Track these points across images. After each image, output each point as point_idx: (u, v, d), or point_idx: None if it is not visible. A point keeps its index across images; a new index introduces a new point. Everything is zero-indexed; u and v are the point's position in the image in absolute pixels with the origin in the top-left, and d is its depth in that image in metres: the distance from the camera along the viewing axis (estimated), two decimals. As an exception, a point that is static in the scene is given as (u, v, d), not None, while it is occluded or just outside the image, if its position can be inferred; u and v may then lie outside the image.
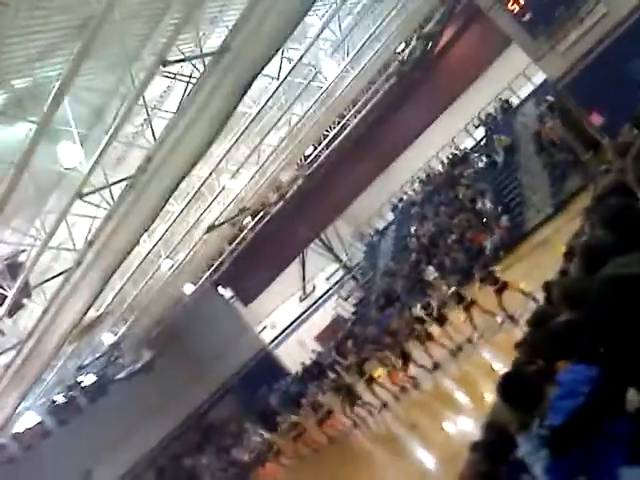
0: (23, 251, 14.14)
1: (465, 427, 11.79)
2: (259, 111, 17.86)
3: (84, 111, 13.05)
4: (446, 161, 29.67)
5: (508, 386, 3.67)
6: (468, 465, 4.50)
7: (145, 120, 14.73)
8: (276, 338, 34.43)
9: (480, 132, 29.08)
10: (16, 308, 13.80)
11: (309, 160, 29.26)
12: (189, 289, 28.31)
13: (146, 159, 13.04)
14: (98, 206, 13.63)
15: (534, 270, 15.84)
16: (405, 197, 31.90)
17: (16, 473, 25.17)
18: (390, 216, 32.74)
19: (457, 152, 29.46)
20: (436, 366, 16.83)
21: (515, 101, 28.08)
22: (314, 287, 35.20)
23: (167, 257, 21.88)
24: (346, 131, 28.82)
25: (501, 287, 15.26)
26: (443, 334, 17.20)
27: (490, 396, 10.50)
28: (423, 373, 17.08)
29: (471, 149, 29.08)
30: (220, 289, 33.65)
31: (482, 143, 28.53)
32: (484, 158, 27.09)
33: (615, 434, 2.47)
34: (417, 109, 30.71)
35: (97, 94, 13.31)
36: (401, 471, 13.19)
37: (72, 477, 26.74)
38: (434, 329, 17.55)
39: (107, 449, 26.89)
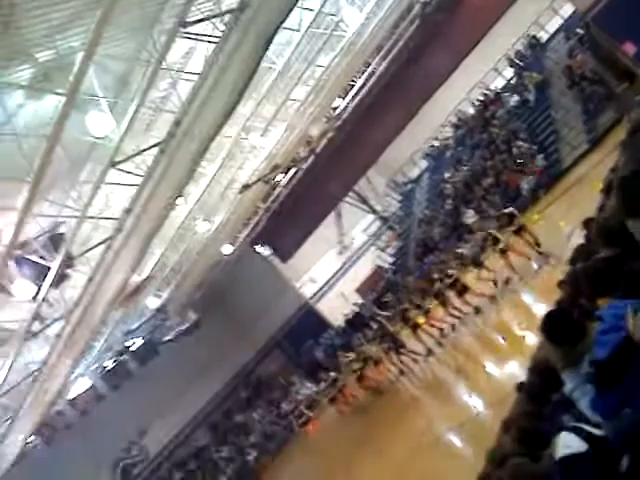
0: (63, 223, 14.38)
1: (511, 370, 11.83)
2: (283, 65, 17.67)
3: (109, 80, 13.06)
4: (477, 103, 29.13)
5: (552, 323, 3.65)
6: (514, 406, 4.53)
7: (170, 84, 14.74)
8: (317, 292, 34.65)
9: (510, 71, 28.39)
10: (60, 279, 14.08)
11: (338, 112, 29.00)
12: (228, 250, 28.56)
13: (175, 123, 13.09)
14: (132, 173, 13.75)
15: (572, 208, 15.64)
16: (437, 143, 31.47)
17: (73, 438, 26.03)
18: (423, 163, 32.41)
19: (488, 93, 28.85)
20: (477, 311, 16.89)
21: (544, 36, 27.30)
22: (352, 239, 35.23)
23: (204, 220, 22.09)
24: (373, 79, 28.40)
25: (519, 229, 15.30)
26: (481, 279, 17.21)
27: (532, 338, 10.51)
28: (466, 318, 17.14)
29: (502, 89, 28.41)
30: (258, 248, 33.86)
31: (513, 82, 27.88)
32: (516, 97, 26.53)
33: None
34: (443, 51, 29.98)
35: (121, 62, 13.29)
36: (449, 416, 13.33)
37: (127, 438, 27.66)
38: (472, 275, 17.58)
39: (159, 410, 27.65)
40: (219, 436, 29.41)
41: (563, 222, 15.45)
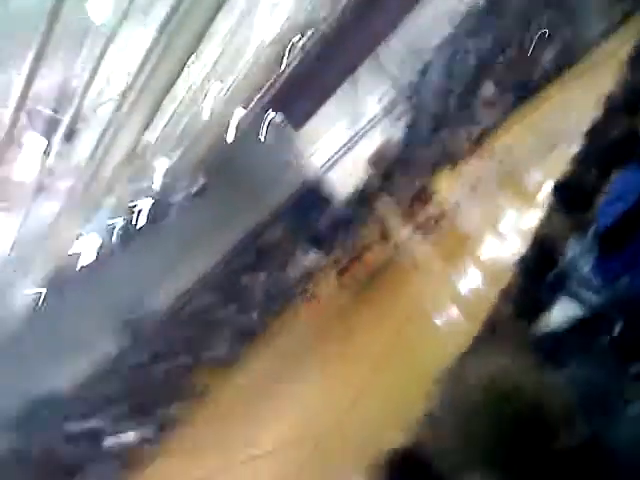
0: (75, 77, 14.16)
1: (511, 247, 11.95)
2: None
3: None
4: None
5: (562, 190, 3.64)
6: (512, 278, 4.62)
7: None
8: (327, 162, 34.37)
9: None
10: (71, 136, 14.04)
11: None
12: (240, 113, 28.17)
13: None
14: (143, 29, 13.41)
15: (594, 84, 15.19)
16: (462, 9, 30.11)
17: (82, 294, 26.83)
18: (447, 30, 31.12)
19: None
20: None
21: None
22: (366, 108, 34.54)
23: (217, 80, 21.63)
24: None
25: None
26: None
27: (536, 216, 10.53)
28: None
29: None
30: (270, 114, 33.32)
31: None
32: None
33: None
34: None
35: None
36: (451, 285, 13.61)
37: (135, 295, 28.52)
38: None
39: (166, 269, 28.18)
40: (224, 295, 30.23)
41: (583, 99, 15.05)
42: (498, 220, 14.94)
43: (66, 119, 13.31)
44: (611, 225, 2.63)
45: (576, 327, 3.48)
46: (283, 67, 28.62)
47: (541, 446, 1.43)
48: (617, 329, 3.20)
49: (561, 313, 3.66)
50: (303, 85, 30.47)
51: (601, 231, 2.90)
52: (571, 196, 3.45)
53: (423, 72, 31.47)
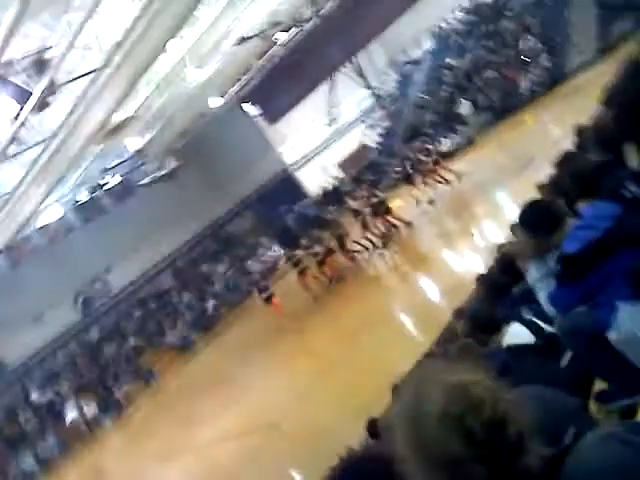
0: (50, 48, 13.91)
1: (470, 261, 12.14)
2: None
3: None
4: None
5: (530, 211, 3.66)
6: (471, 294, 4.65)
7: None
8: (299, 160, 34.41)
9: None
10: (43, 105, 13.77)
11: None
12: (216, 102, 27.96)
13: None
14: (127, 6, 13.23)
15: (567, 113, 15.47)
16: (446, 26, 30.31)
17: (39, 264, 26.44)
18: (428, 45, 31.31)
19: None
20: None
21: None
22: (341, 112, 34.60)
23: (195, 67, 21.40)
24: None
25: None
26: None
27: (497, 236, 10.70)
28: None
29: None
30: (246, 106, 33.21)
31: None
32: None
33: (623, 269, 2.49)
34: None
35: None
36: (405, 298, 13.78)
37: (92, 272, 28.21)
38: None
39: (127, 249, 27.98)
40: (182, 282, 30.09)
41: (555, 126, 15.31)
42: (456, 237, 15.14)
43: (39, 88, 13.05)
44: (577, 252, 2.64)
45: (527, 352, 3.52)
46: (263, 61, 28.48)
47: (499, 465, 1.42)
48: (566, 359, 3.23)
49: (513, 336, 3.70)
50: (282, 80, 30.39)
51: (564, 257, 2.92)
52: (538, 218, 3.48)
53: (401, 84, 31.64)
